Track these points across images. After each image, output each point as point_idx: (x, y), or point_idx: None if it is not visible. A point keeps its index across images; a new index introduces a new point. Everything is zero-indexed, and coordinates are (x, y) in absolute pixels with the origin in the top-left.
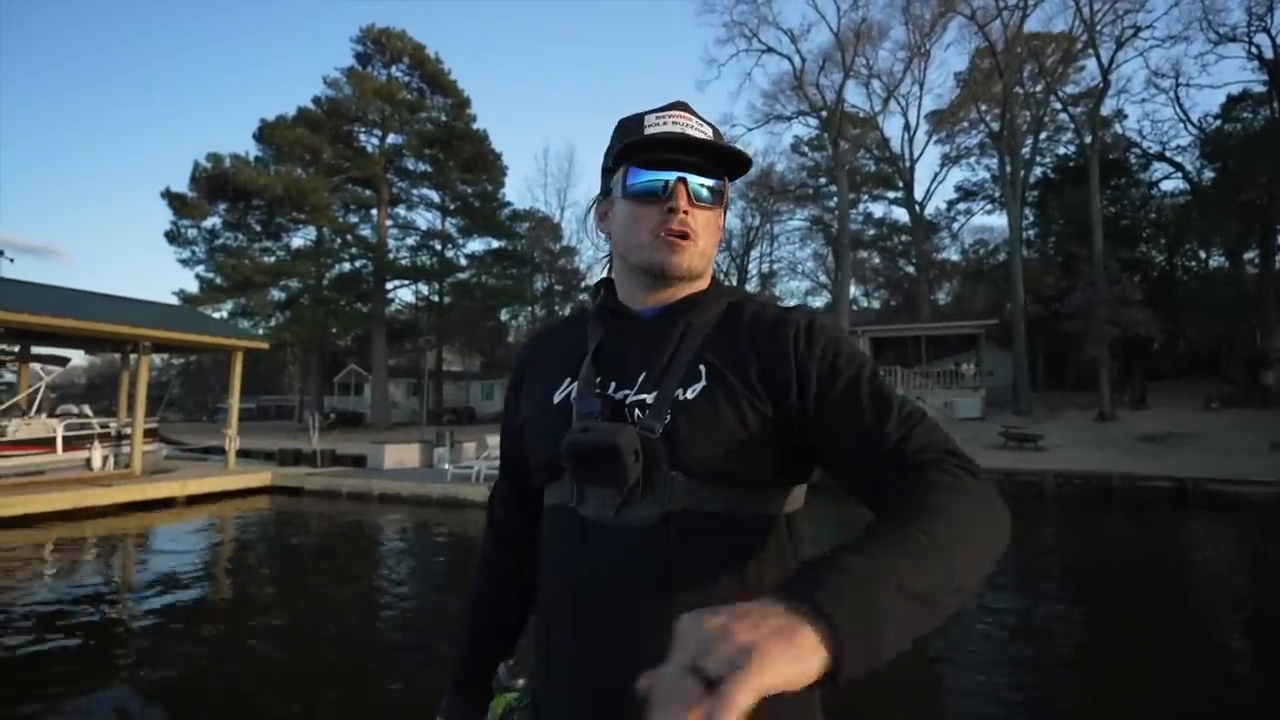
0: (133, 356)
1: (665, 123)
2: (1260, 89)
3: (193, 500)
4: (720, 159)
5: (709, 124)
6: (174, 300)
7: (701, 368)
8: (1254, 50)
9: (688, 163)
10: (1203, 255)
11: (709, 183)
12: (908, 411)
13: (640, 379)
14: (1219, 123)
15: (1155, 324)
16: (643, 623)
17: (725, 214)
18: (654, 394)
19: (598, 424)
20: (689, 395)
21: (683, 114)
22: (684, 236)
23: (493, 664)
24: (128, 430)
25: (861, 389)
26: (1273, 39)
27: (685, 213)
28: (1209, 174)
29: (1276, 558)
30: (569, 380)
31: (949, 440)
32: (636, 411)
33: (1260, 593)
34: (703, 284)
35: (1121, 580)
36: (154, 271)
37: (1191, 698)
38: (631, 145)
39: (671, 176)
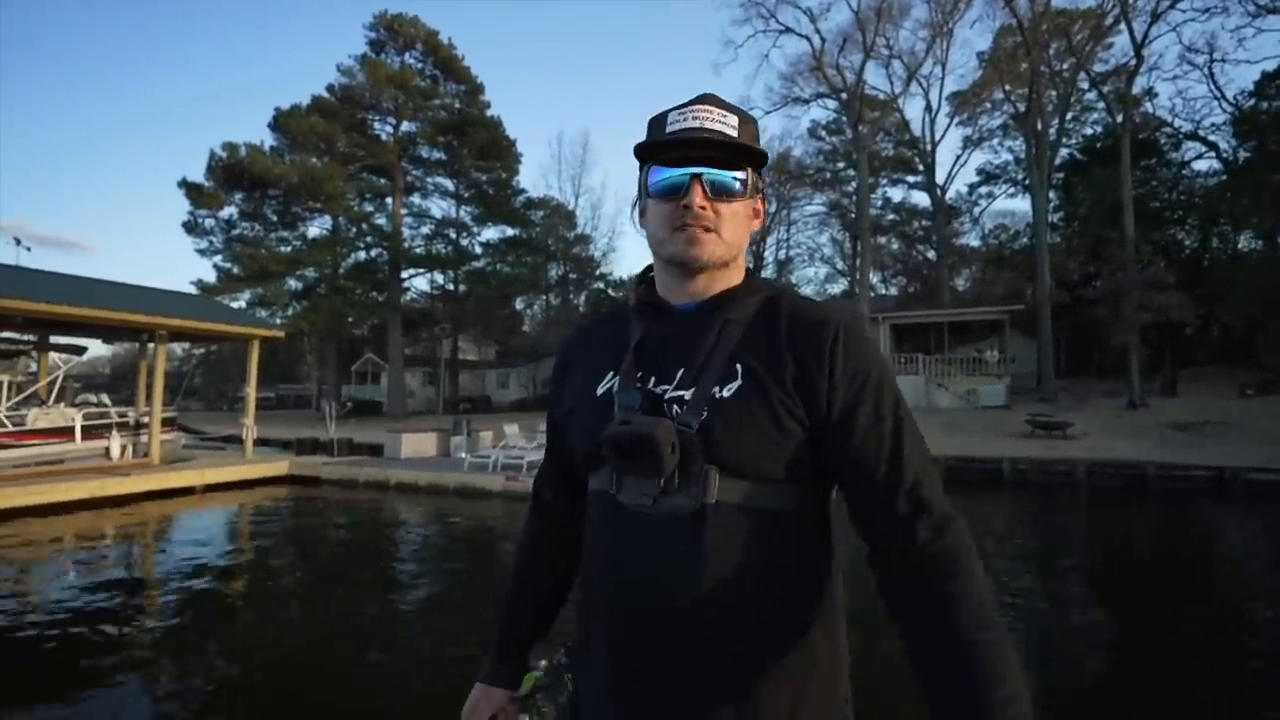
0: (150, 345)
1: (687, 118)
2: None
3: (210, 489)
4: (739, 150)
5: (736, 112)
6: (192, 290)
7: (738, 366)
8: None
9: (703, 157)
10: (1235, 237)
11: (727, 175)
12: (914, 472)
13: (679, 375)
14: (1254, 100)
15: (1188, 308)
16: (675, 609)
17: (762, 200)
18: (691, 390)
19: (638, 417)
20: (725, 394)
21: (705, 107)
22: (704, 230)
23: (530, 638)
24: (146, 419)
25: (884, 437)
26: None
27: (703, 207)
28: (1244, 153)
29: None
30: (611, 374)
31: (943, 502)
32: (674, 407)
33: None
34: (736, 276)
35: (1170, 577)
36: (173, 262)
37: (1212, 700)
38: (649, 147)
39: (688, 173)
